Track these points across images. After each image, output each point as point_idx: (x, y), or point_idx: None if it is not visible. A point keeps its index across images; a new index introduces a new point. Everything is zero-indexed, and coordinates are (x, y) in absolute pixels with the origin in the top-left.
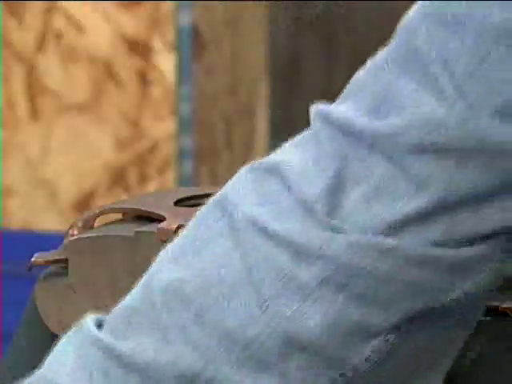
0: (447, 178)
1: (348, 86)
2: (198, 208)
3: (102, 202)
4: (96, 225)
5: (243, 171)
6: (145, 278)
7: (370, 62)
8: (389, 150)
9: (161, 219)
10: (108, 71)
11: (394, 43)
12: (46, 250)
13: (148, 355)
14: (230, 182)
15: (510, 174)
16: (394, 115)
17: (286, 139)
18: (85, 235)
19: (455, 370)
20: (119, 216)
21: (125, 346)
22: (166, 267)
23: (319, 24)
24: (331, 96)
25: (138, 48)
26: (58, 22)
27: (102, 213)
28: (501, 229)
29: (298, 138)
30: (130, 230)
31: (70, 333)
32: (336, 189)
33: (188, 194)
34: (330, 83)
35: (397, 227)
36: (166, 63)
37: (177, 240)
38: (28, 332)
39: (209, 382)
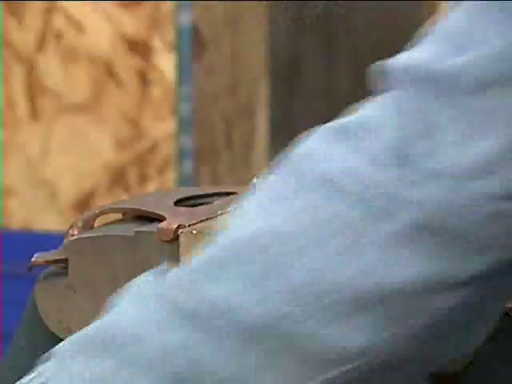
0: None
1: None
2: (198, 208)
3: (102, 201)
4: (96, 225)
5: (315, 134)
6: (222, 233)
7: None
8: (466, 87)
9: (161, 219)
10: (108, 71)
11: None
12: (46, 249)
13: (235, 300)
14: (300, 144)
15: None
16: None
17: (286, 139)
18: (85, 235)
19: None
20: (119, 216)
21: (212, 291)
22: (245, 219)
23: (319, 24)
24: (331, 96)
25: (138, 48)
26: (58, 22)
27: (102, 213)
28: None
29: (370, 101)
30: (130, 229)
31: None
32: (427, 133)
33: (188, 193)
34: (330, 83)
35: (492, 165)
36: (166, 63)
37: (253, 196)
38: (28, 332)
39: (295, 324)
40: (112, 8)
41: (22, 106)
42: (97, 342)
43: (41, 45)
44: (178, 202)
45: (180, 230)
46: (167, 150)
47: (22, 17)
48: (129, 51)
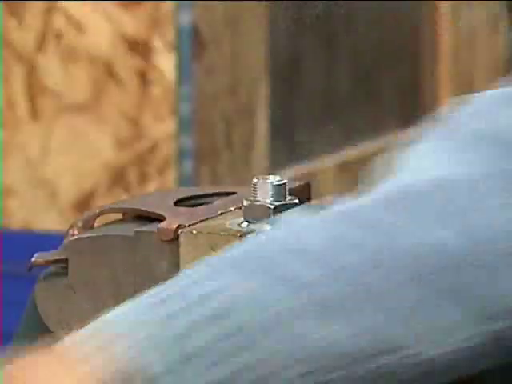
0: None
1: None
2: (198, 208)
3: (102, 201)
4: (96, 225)
5: None
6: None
7: None
8: None
9: (161, 219)
10: (108, 71)
11: None
12: (46, 249)
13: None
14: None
15: None
16: None
17: (285, 139)
18: (85, 235)
19: None
20: (119, 216)
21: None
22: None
23: (319, 24)
24: (331, 96)
25: (138, 48)
26: (58, 22)
27: (102, 213)
28: None
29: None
30: (130, 229)
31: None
32: None
33: (188, 193)
34: (330, 83)
35: None
36: (166, 63)
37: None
38: (28, 332)
39: (478, 270)
40: (112, 8)
41: (22, 106)
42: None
43: (41, 45)
44: (177, 202)
45: (180, 230)
46: (167, 149)
47: (22, 17)
48: (129, 51)
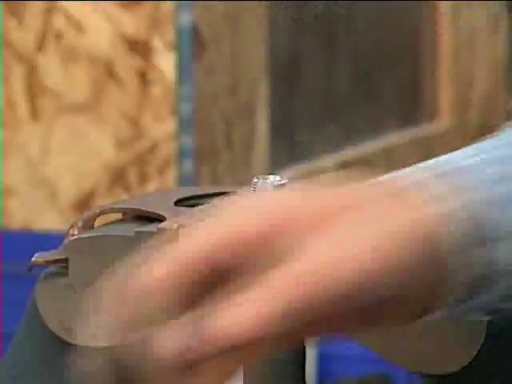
0: None
1: None
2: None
3: (101, 201)
4: (96, 225)
5: None
6: None
7: None
8: None
9: (161, 219)
10: (108, 71)
11: None
12: (46, 249)
13: None
14: None
15: None
16: None
17: (286, 139)
18: (85, 235)
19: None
20: (119, 216)
21: None
22: None
23: (319, 24)
24: (331, 96)
25: (138, 48)
26: (58, 21)
27: (102, 213)
28: None
29: None
30: (130, 229)
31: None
32: None
33: (188, 193)
34: (330, 83)
35: None
36: (166, 63)
37: None
38: (28, 332)
39: None
40: (112, 8)
41: (22, 106)
42: None
43: (41, 45)
44: (178, 202)
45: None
46: (167, 149)
47: (22, 17)
48: (129, 51)
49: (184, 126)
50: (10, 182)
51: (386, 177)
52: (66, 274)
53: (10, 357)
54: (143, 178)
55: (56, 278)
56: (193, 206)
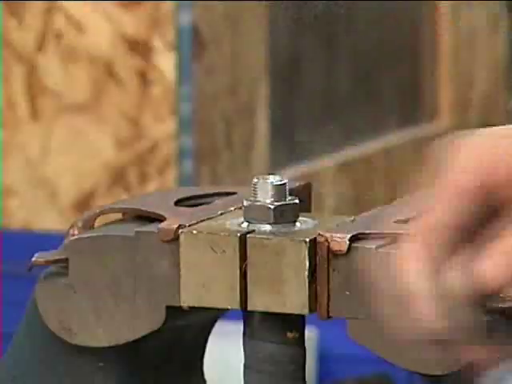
0: None
1: None
2: (198, 208)
3: (101, 201)
4: (96, 225)
5: None
6: None
7: None
8: None
9: (161, 219)
10: (108, 71)
11: None
12: (46, 249)
13: None
14: None
15: None
16: None
17: (286, 139)
18: (85, 235)
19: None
20: (119, 216)
21: None
22: None
23: (319, 24)
24: (331, 96)
25: (138, 48)
26: (58, 22)
27: (102, 213)
28: None
29: None
30: (130, 229)
31: None
32: None
33: (188, 193)
34: (330, 83)
35: None
36: (166, 63)
37: None
38: (28, 332)
39: None
40: (112, 8)
41: (22, 106)
42: None
43: (41, 45)
44: (178, 202)
45: (180, 230)
46: (167, 149)
47: (22, 17)
48: (129, 51)
49: (184, 125)
50: (10, 181)
51: None
52: (66, 274)
53: (10, 357)
54: (143, 178)
55: (56, 277)
56: (193, 206)
